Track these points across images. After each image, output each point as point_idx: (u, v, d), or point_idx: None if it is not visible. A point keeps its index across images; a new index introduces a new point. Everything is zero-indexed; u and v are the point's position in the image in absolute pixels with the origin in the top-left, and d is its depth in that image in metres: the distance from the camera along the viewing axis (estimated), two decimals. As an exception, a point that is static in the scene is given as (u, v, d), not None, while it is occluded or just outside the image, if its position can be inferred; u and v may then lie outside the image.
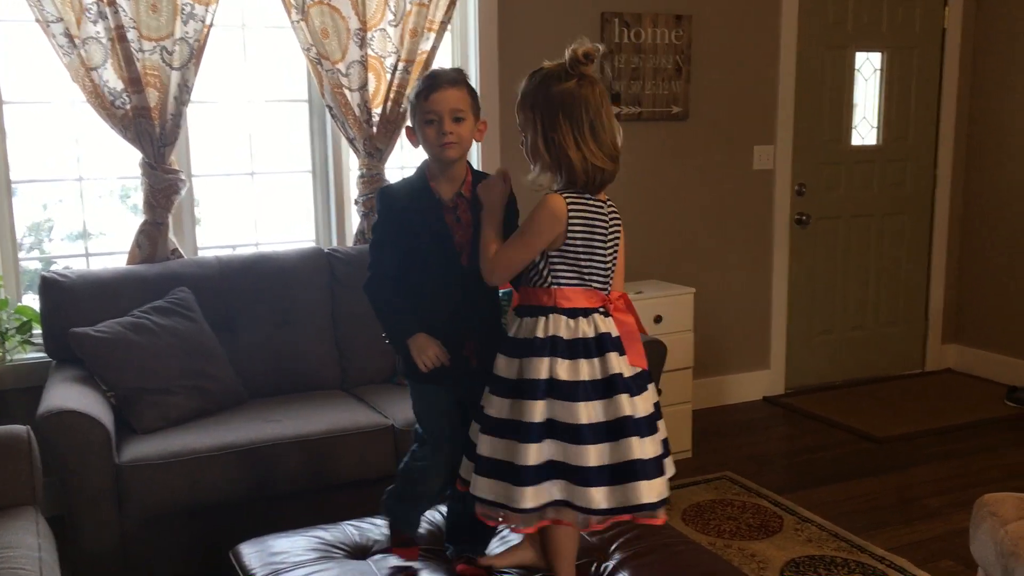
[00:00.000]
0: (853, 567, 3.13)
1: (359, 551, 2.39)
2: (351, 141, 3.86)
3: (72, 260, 3.81)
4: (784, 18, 4.74)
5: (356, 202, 3.92)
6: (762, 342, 5.02)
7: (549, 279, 2.06)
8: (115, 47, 3.42)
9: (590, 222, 2.05)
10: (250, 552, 2.35)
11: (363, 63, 3.78)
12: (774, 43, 4.75)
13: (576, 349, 2.01)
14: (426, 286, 2.26)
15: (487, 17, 4.09)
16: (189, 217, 3.84)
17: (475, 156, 4.16)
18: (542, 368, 2.00)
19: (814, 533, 3.38)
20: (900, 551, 3.25)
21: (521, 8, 4.14)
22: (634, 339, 2.11)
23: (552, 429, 1.99)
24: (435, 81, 2.24)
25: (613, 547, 2.33)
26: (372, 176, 3.87)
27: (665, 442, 2.13)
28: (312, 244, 4.06)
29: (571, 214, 2.03)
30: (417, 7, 3.83)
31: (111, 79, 3.45)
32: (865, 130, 5.17)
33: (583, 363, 2.01)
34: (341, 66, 3.76)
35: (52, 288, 3.32)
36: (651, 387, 2.13)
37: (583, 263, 2.06)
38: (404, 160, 4.11)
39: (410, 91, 2.40)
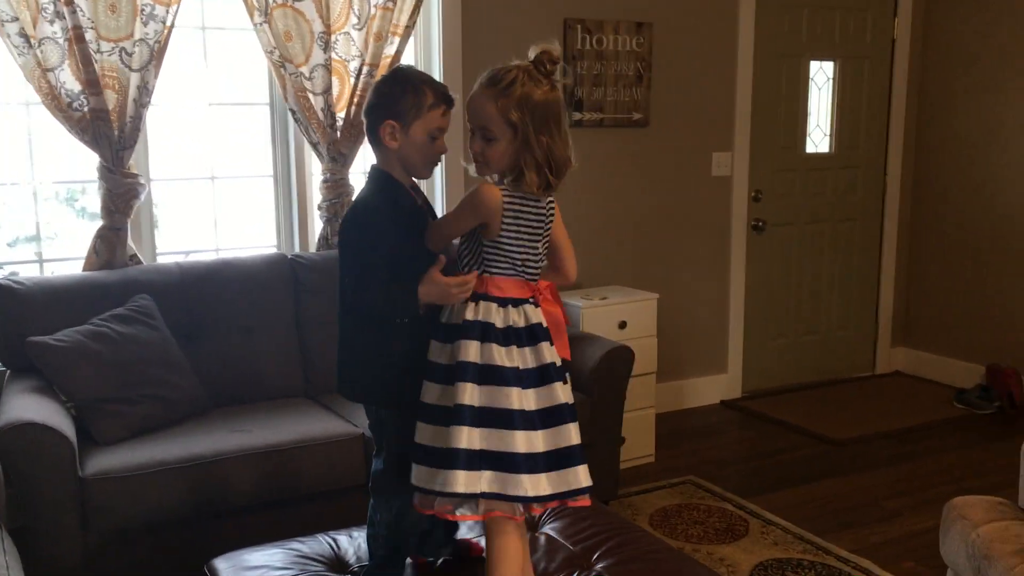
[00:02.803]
0: (820, 569, 3.18)
1: (338, 564, 2.35)
2: (314, 145, 3.81)
3: (24, 266, 3.69)
4: (741, 27, 4.81)
5: (319, 207, 3.87)
6: (720, 346, 5.08)
7: (483, 267, 2.10)
8: (72, 48, 3.33)
9: (526, 219, 2.08)
10: (226, 568, 2.30)
11: (327, 67, 3.74)
12: (731, 51, 4.82)
13: (510, 337, 2.05)
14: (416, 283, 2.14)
15: (451, 22, 4.08)
16: (147, 222, 3.75)
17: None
18: (471, 351, 2.03)
19: (779, 536, 3.43)
20: (864, 552, 3.32)
21: (484, 14, 4.14)
22: (560, 330, 2.16)
23: (484, 416, 2.01)
24: (450, 99, 2.19)
25: (595, 555, 2.33)
26: (336, 181, 3.83)
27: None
28: (274, 249, 4.00)
29: (506, 210, 2.05)
30: (381, 11, 3.80)
31: (68, 80, 3.36)
32: (818, 137, 5.27)
33: (516, 351, 2.05)
34: (304, 69, 3.71)
35: (7, 296, 3.22)
36: (567, 376, 2.17)
37: (518, 256, 2.09)
38: (367, 165, 4.06)
39: (406, 90, 2.17)
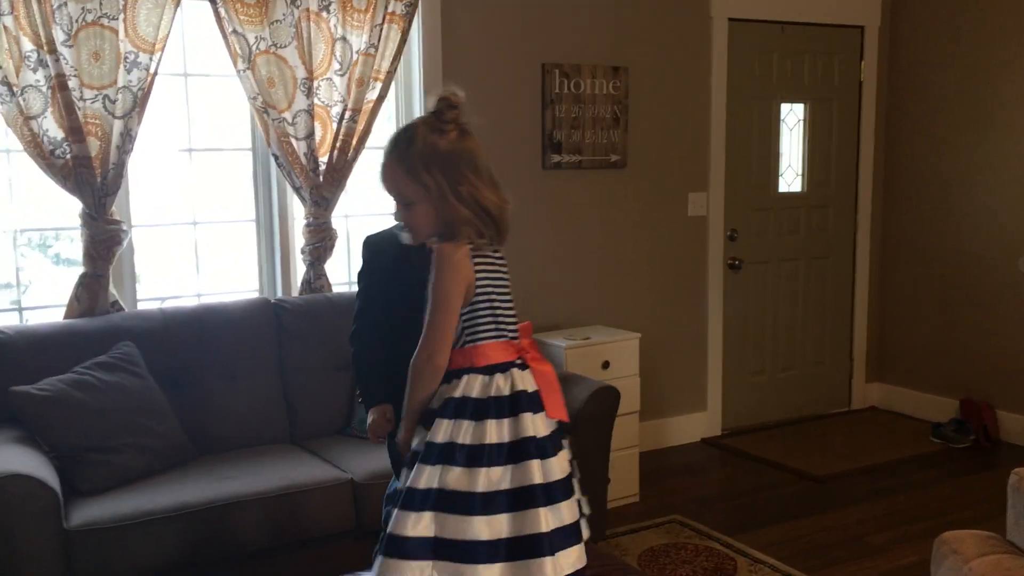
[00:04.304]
0: (809, 607, 3.19)
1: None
2: (297, 190, 3.82)
3: (2, 315, 3.64)
4: (714, 70, 4.91)
5: (302, 251, 3.87)
6: (699, 384, 5.11)
7: (464, 338, 1.96)
8: (55, 95, 3.33)
9: (493, 271, 1.98)
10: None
11: (310, 112, 3.76)
12: (705, 94, 4.91)
13: (486, 409, 1.90)
14: (412, 334, 2.15)
15: (431, 68, 4.12)
16: (129, 268, 3.73)
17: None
18: (439, 431, 1.89)
19: (768, 574, 3.44)
20: (851, 589, 3.34)
21: (464, 60, 4.19)
22: (553, 389, 2.00)
23: (439, 499, 1.87)
24: None
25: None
26: (319, 225, 3.83)
27: (580, 503, 2.02)
28: (256, 294, 3.98)
29: (476, 261, 1.94)
30: (363, 57, 3.84)
31: (51, 128, 3.35)
32: (791, 177, 5.37)
33: (491, 424, 1.89)
34: (287, 115, 3.73)
35: (-13, 345, 3.18)
36: (565, 443, 2.02)
37: (499, 311, 1.97)
38: (350, 208, 4.08)
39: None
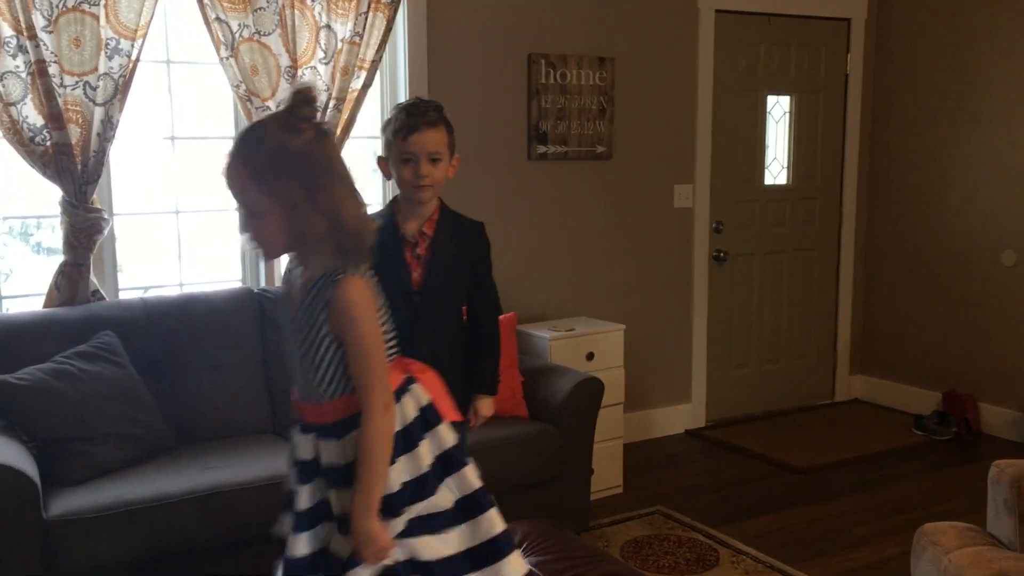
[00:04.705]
0: (791, 598, 3.20)
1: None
2: (281, 179, 3.79)
3: (-18, 303, 3.62)
4: (700, 62, 4.90)
5: (286, 241, 3.85)
6: (683, 376, 5.12)
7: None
8: (35, 82, 3.29)
9: (376, 292, 1.82)
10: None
11: (294, 101, 3.73)
12: (692, 86, 4.90)
13: (411, 438, 1.80)
14: (400, 309, 2.17)
15: (417, 57, 4.10)
16: (110, 257, 3.70)
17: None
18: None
19: (750, 566, 3.45)
20: (833, 580, 3.35)
21: (450, 49, 4.16)
22: (442, 393, 1.92)
23: (410, 529, 1.79)
24: (415, 121, 2.23)
25: (574, 589, 2.33)
26: (302, 215, 3.81)
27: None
28: (239, 284, 3.96)
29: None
30: (348, 45, 3.81)
31: (31, 115, 3.32)
32: (776, 170, 5.37)
33: (421, 449, 1.80)
34: (271, 103, 3.70)
35: (-34, 333, 3.15)
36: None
37: (390, 335, 1.84)
38: (334, 198, 4.05)
39: (385, 122, 2.39)
